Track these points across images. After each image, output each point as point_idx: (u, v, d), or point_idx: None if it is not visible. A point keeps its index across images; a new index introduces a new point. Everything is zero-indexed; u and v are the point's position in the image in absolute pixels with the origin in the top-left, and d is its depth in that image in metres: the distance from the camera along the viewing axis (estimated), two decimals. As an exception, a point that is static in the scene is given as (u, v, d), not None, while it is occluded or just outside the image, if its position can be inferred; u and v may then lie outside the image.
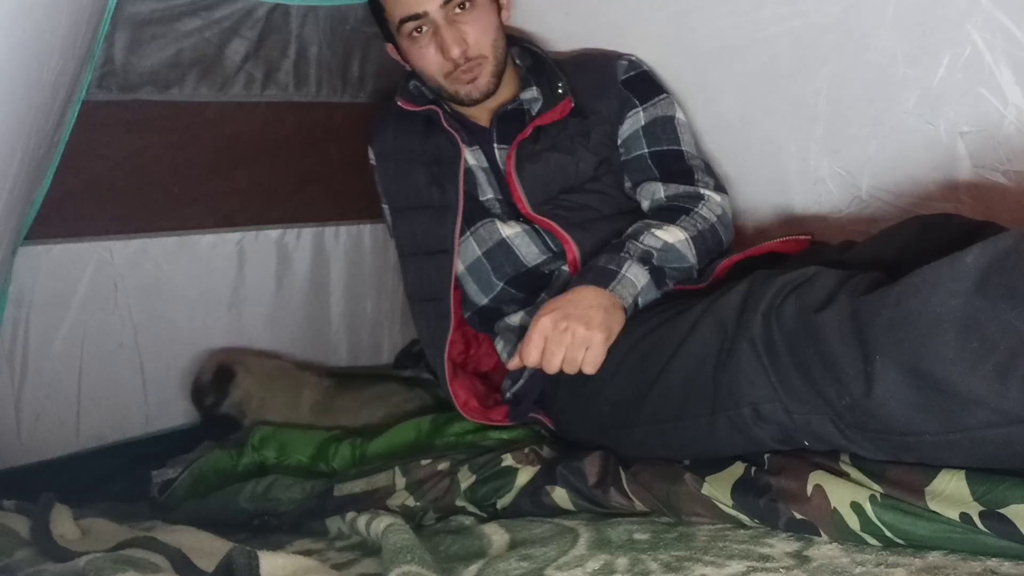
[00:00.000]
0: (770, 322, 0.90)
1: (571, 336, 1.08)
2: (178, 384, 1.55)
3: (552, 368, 1.09)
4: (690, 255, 1.22)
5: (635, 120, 1.36)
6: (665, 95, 1.37)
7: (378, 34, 1.49)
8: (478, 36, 1.28)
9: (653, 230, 1.22)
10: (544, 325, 1.10)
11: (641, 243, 1.20)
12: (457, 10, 1.26)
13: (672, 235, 1.22)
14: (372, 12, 1.36)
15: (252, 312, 1.63)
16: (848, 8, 1.16)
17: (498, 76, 1.33)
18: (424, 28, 1.27)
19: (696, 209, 1.27)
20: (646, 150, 1.35)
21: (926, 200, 1.18)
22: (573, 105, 1.34)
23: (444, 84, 1.32)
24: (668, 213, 1.27)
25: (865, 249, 1.07)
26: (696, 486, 0.96)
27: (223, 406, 1.47)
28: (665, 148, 1.34)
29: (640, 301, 1.17)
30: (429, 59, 1.29)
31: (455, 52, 1.26)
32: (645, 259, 1.18)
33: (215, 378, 1.49)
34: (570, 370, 1.09)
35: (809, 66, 1.24)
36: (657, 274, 1.19)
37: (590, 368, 1.08)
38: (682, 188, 1.31)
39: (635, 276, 1.16)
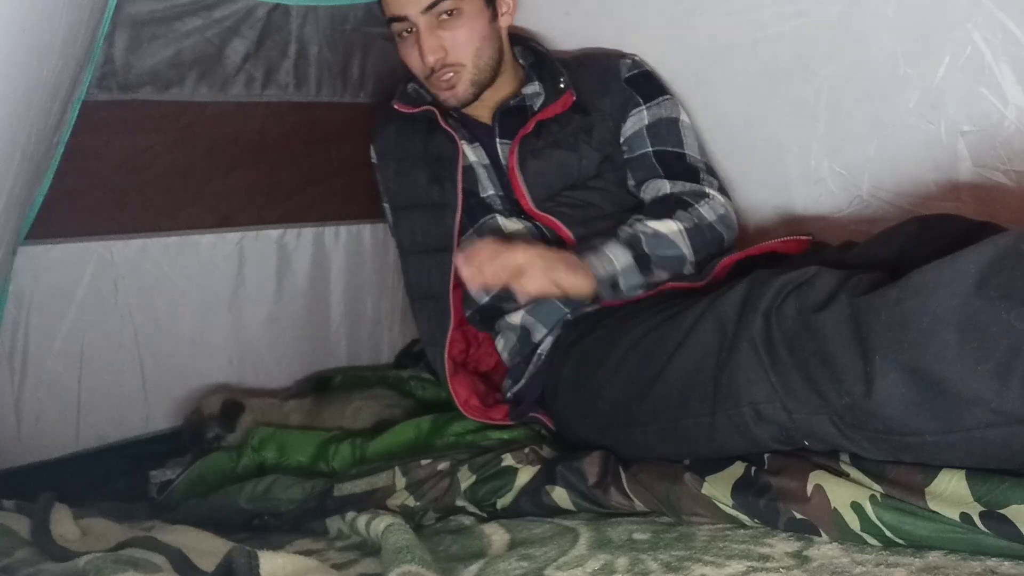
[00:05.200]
0: (770, 322, 0.90)
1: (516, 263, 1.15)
2: (178, 384, 1.55)
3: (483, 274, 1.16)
4: (683, 246, 1.23)
5: (638, 119, 1.36)
6: (668, 96, 1.38)
7: (379, 34, 1.50)
8: (458, 44, 1.29)
9: (646, 221, 1.25)
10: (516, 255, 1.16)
11: (631, 228, 1.24)
12: (444, 16, 1.27)
13: (665, 226, 1.24)
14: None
15: (252, 312, 1.63)
16: (848, 8, 1.17)
17: (478, 85, 1.33)
18: (410, 30, 1.29)
19: (696, 205, 1.28)
20: (650, 149, 1.35)
21: (926, 200, 1.18)
22: (575, 99, 1.34)
23: (428, 85, 1.35)
24: (665, 207, 1.28)
25: (865, 249, 1.07)
26: (696, 486, 0.96)
27: (226, 440, 1.43)
28: (669, 150, 1.35)
29: (622, 283, 1.19)
30: (413, 61, 1.32)
31: (430, 60, 1.28)
32: (631, 242, 1.21)
33: (223, 411, 1.45)
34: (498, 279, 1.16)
35: (809, 66, 1.24)
36: (643, 260, 1.20)
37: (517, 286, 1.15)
38: (688, 186, 1.32)
39: (615, 255, 1.19)
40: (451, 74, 1.30)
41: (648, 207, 1.33)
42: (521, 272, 1.15)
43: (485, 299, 1.39)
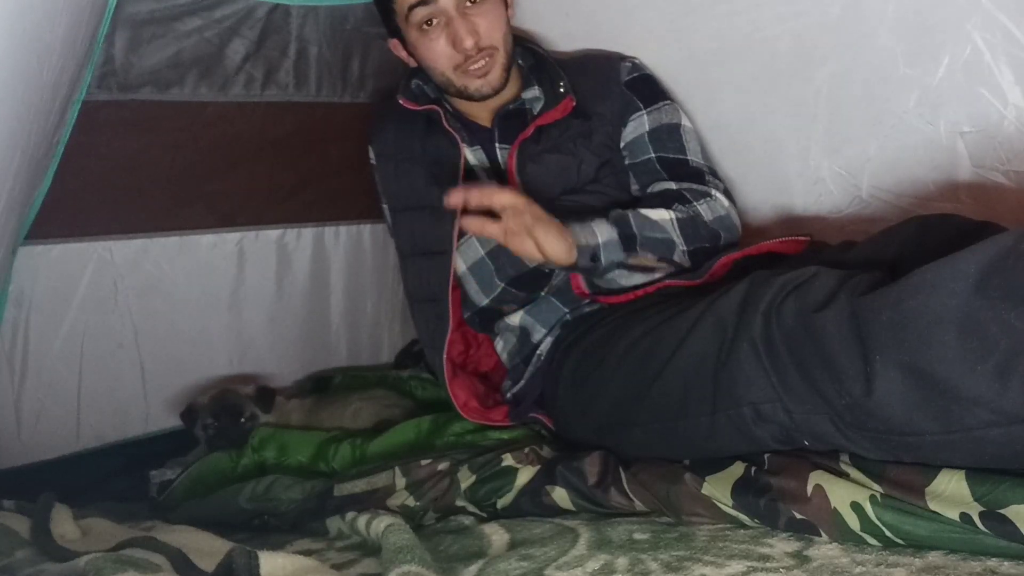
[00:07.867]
0: (770, 322, 0.90)
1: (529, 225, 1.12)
2: (178, 384, 1.55)
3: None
4: (672, 232, 1.23)
5: (639, 124, 1.36)
6: (668, 101, 1.37)
7: (379, 34, 1.49)
8: (489, 28, 1.28)
9: (639, 208, 1.25)
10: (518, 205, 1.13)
11: (622, 210, 1.24)
12: (468, 3, 1.26)
13: (656, 213, 1.24)
14: (377, 4, 1.35)
15: (252, 312, 1.63)
16: (848, 8, 1.16)
17: (508, 70, 1.33)
18: (435, 20, 1.26)
19: (694, 202, 1.28)
20: (653, 155, 1.35)
21: (926, 200, 1.18)
22: (575, 104, 1.34)
23: (453, 78, 1.31)
24: (663, 199, 1.29)
25: (865, 249, 1.07)
26: (696, 486, 0.96)
27: (259, 421, 1.44)
28: (672, 156, 1.35)
29: (603, 257, 1.18)
30: (439, 51, 1.28)
31: (468, 43, 1.25)
32: (619, 221, 1.21)
33: (258, 394, 1.46)
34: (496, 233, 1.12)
35: (809, 66, 1.24)
36: (628, 239, 1.20)
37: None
38: (694, 185, 1.32)
39: (599, 229, 1.19)
40: (485, 60, 1.29)
41: (646, 198, 1.33)
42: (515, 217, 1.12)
43: (484, 302, 1.39)
